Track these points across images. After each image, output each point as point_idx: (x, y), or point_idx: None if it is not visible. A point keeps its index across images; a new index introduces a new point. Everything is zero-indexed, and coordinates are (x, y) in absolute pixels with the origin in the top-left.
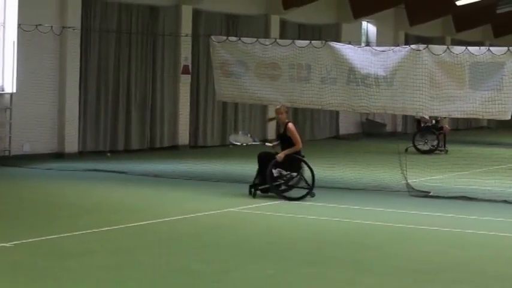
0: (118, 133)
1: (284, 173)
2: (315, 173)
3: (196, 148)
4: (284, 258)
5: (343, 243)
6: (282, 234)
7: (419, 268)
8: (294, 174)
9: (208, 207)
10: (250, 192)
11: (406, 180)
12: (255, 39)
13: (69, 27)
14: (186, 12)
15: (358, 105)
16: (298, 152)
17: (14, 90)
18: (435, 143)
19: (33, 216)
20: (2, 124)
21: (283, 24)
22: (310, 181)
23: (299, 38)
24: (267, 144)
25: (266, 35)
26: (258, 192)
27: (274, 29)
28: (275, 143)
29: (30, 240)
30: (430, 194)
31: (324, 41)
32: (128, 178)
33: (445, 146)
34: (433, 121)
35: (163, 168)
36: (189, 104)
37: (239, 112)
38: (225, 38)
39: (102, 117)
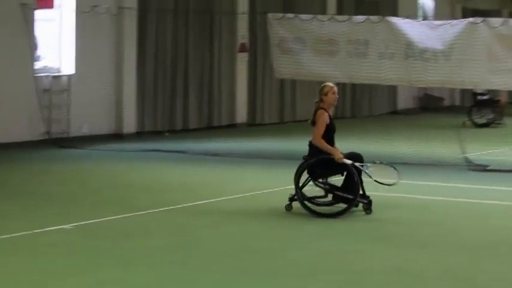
0: (176, 112)
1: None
2: None
3: (254, 126)
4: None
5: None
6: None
7: (483, 243)
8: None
9: (268, 186)
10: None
11: (465, 155)
12: (312, 15)
13: (126, 8)
14: None
15: (416, 79)
16: None
17: (72, 72)
18: (491, 116)
19: (92, 197)
20: (60, 106)
21: None
22: None
23: (356, 14)
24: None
25: (322, 11)
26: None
27: (331, 5)
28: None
29: (89, 221)
30: (489, 168)
31: (381, 16)
32: (187, 157)
33: (501, 120)
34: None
35: (221, 146)
36: (246, 82)
37: (297, 89)
38: (281, 15)
39: (159, 97)
